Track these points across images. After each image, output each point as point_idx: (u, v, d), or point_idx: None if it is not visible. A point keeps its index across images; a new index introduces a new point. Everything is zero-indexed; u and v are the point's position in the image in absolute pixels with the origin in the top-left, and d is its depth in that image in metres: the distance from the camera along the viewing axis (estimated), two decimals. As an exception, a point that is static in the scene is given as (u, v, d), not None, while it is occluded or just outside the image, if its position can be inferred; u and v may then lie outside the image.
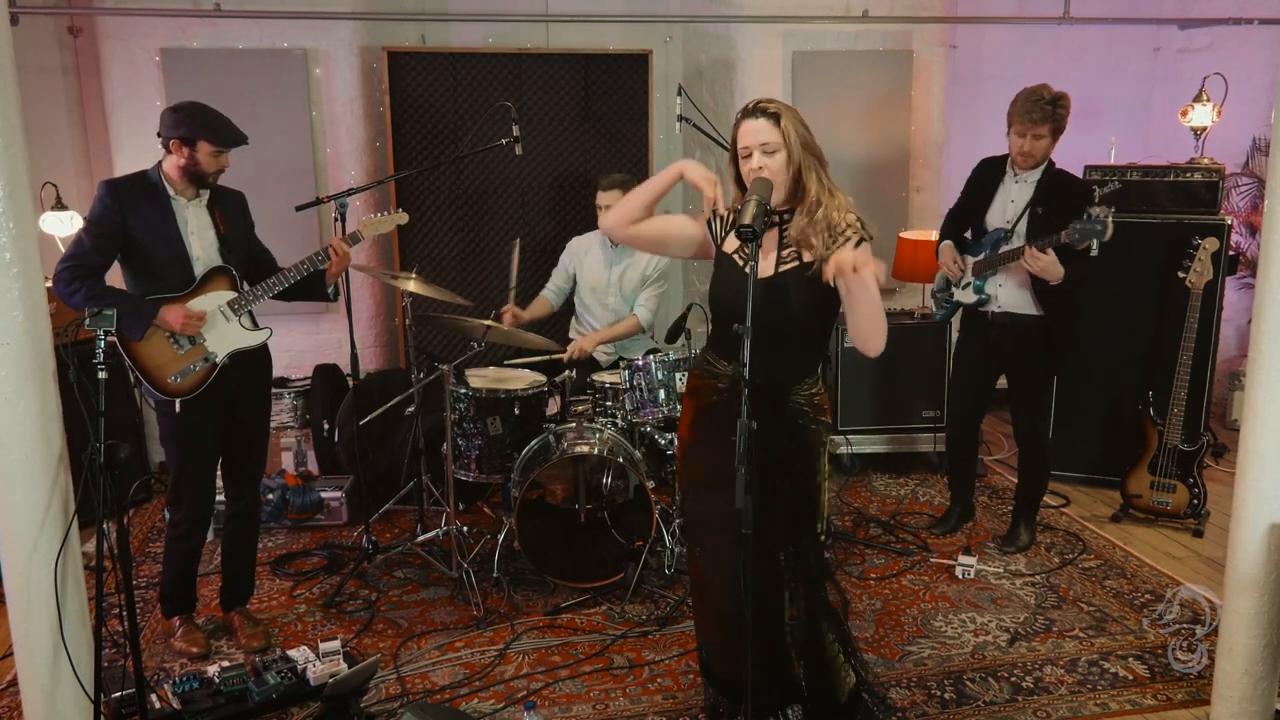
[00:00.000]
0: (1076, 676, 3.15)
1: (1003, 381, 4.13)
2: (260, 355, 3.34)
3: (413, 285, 3.79)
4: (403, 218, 3.72)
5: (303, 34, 4.89)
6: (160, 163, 3.12)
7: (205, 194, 3.19)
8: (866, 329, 2.39)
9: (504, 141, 3.97)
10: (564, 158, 5.21)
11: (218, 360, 3.17)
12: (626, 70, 5.17)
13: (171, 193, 3.11)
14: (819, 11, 5.13)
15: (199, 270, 3.16)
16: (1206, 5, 5.68)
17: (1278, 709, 2.65)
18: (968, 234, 4.02)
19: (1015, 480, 4.32)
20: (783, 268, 2.48)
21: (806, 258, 2.47)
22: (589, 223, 4.74)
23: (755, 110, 2.45)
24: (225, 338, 3.20)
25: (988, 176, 3.96)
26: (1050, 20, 5.01)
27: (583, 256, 4.51)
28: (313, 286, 3.35)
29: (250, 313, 3.27)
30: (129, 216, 3.05)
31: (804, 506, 2.58)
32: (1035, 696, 3.04)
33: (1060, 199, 3.74)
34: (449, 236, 5.18)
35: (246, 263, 3.31)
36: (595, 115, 5.20)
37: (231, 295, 3.21)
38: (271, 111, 4.87)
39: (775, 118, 2.43)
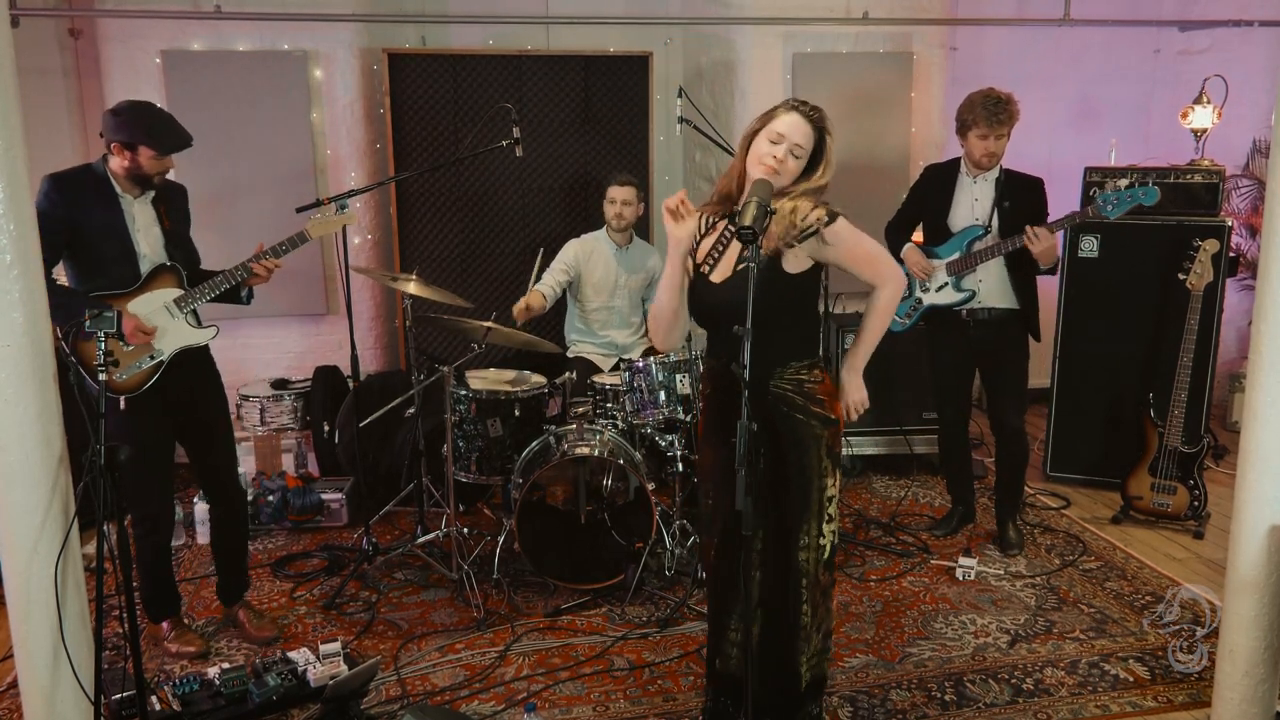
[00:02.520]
0: (1077, 678, 3.15)
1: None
2: (204, 354, 3.31)
3: (413, 287, 3.79)
4: (350, 218, 3.59)
5: (303, 36, 4.89)
6: (105, 156, 3.08)
7: (152, 190, 3.15)
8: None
9: (504, 143, 3.97)
10: (564, 159, 5.22)
11: (163, 358, 3.15)
12: (627, 72, 5.17)
13: (118, 190, 3.08)
14: (819, 13, 5.14)
15: (145, 267, 3.13)
16: (1207, 7, 5.68)
17: (1278, 711, 2.65)
18: (914, 239, 4.08)
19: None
20: (740, 266, 2.48)
21: (765, 248, 2.46)
22: (590, 224, 4.74)
23: (810, 114, 2.46)
24: (172, 335, 3.17)
25: (941, 182, 4.00)
26: (1050, 22, 5.01)
27: (586, 259, 4.51)
28: (233, 291, 3.29)
29: (195, 311, 3.24)
30: (74, 212, 3.00)
31: (788, 501, 2.54)
32: (1036, 698, 3.04)
33: (1021, 192, 3.87)
34: (449, 238, 5.18)
35: (190, 259, 3.28)
36: (595, 117, 5.20)
37: (178, 293, 3.17)
38: (272, 113, 4.87)
39: (822, 134, 2.47)
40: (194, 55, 4.80)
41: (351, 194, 3.80)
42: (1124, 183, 3.60)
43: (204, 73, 4.78)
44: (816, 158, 2.49)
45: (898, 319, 4.14)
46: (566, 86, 5.15)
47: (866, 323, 2.62)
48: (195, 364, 3.27)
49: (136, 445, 3.12)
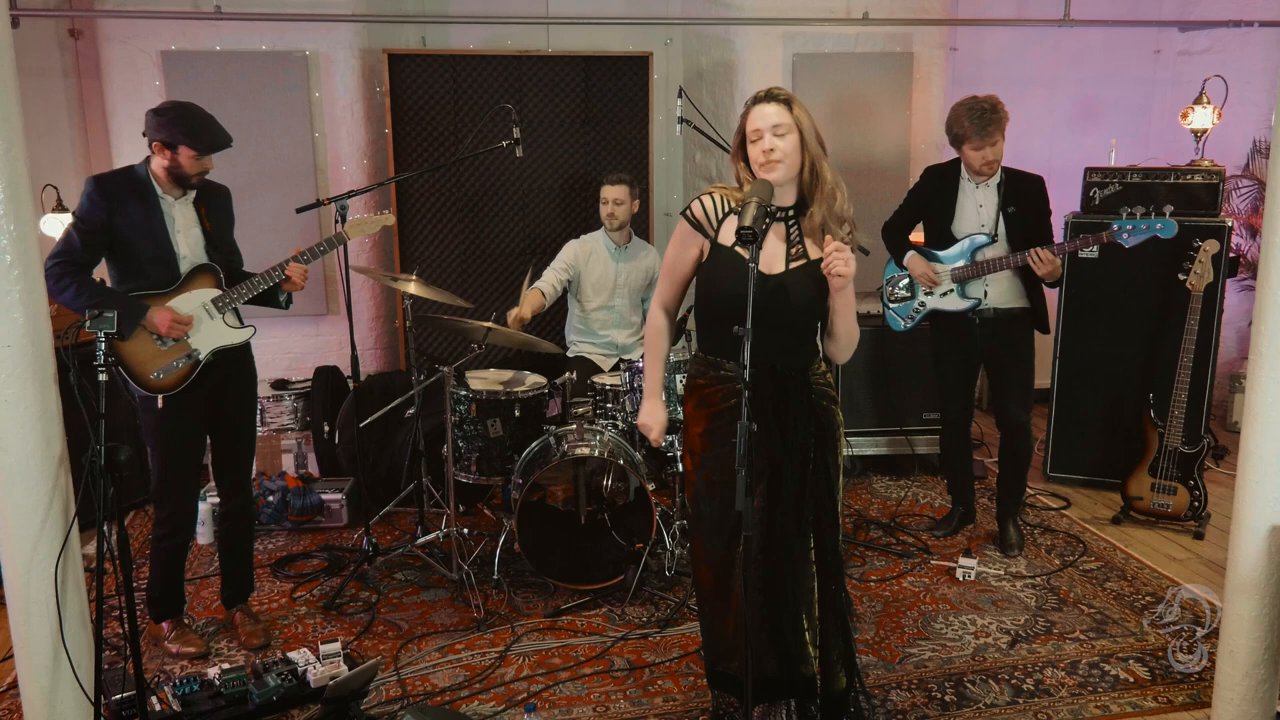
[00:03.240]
0: (1077, 679, 3.15)
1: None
2: (243, 353, 3.34)
3: (413, 287, 3.79)
4: (389, 219, 3.72)
5: (303, 36, 4.89)
6: (148, 159, 3.12)
7: (192, 191, 3.18)
8: (850, 338, 2.59)
9: (504, 143, 3.98)
10: (564, 160, 5.22)
11: (200, 357, 3.17)
12: (627, 72, 5.18)
13: (159, 191, 3.11)
14: (819, 14, 5.14)
15: (184, 268, 3.16)
16: (1207, 8, 5.69)
17: (1279, 711, 2.65)
18: (914, 239, 4.08)
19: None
20: (792, 265, 2.52)
21: (813, 254, 2.52)
22: (590, 224, 4.74)
23: (766, 96, 2.49)
24: (208, 335, 3.19)
25: (943, 185, 3.97)
26: (1050, 22, 5.02)
27: (586, 259, 4.51)
28: (271, 294, 3.34)
29: (235, 310, 3.27)
30: (116, 214, 3.04)
31: (829, 493, 2.61)
32: (1036, 699, 3.04)
33: (1025, 196, 3.85)
34: (449, 238, 5.18)
35: (230, 260, 3.31)
36: (595, 117, 5.20)
37: (215, 293, 3.20)
38: (272, 114, 4.88)
39: (786, 103, 2.48)
40: (194, 55, 4.80)
41: (351, 194, 3.80)
42: (1141, 210, 3.59)
43: (204, 73, 4.78)
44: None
45: (899, 319, 4.13)
46: (566, 87, 5.15)
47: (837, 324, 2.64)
48: (233, 363, 3.30)
49: (170, 445, 3.19)
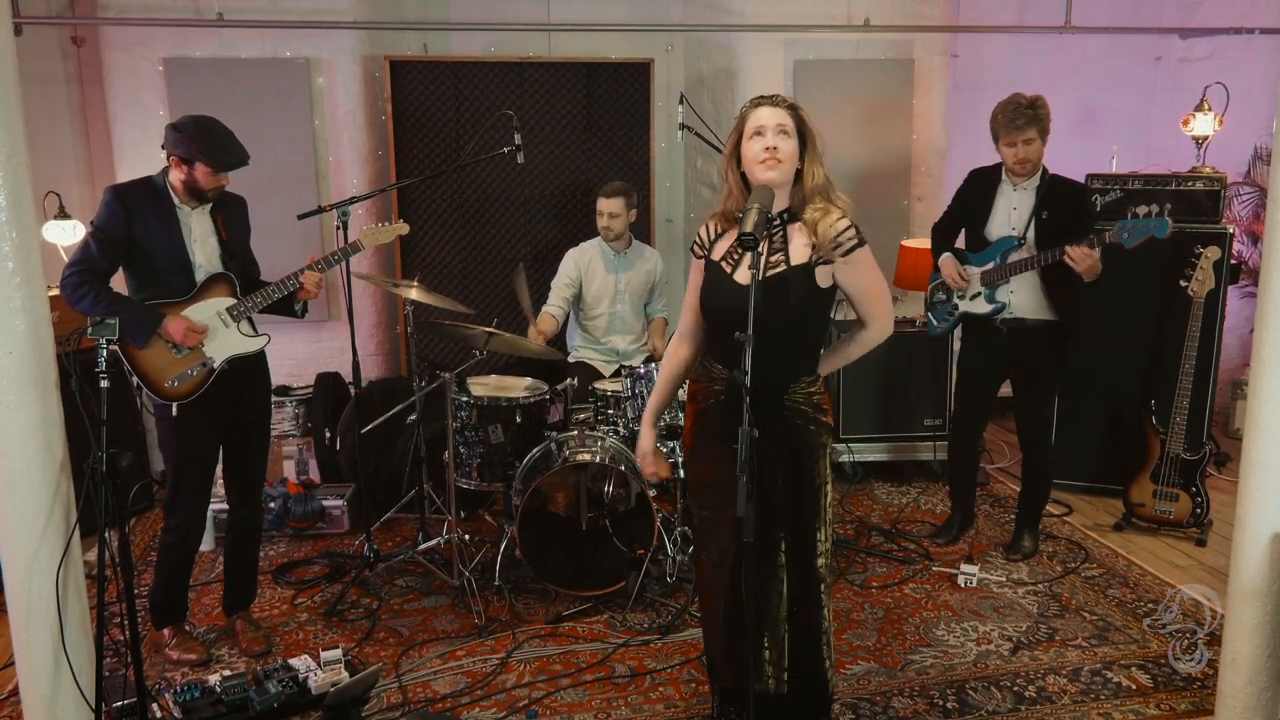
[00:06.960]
0: (1079, 686, 3.14)
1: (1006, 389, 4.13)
2: (259, 361, 3.36)
3: (414, 293, 3.80)
4: (403, 228, 3.75)
5: (305, 43, 4.90)
6: (166, 169, 3.15)
7: (209, 202, 3.21)
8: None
9: (506, 150, 3.98)
10: (566, 166, 5.22)
11: (215, 365, 3.19)
12: (628, 79, 5.18)
13: (176, 201, 3.14)
14: (820, 20, 5.15)
15: (200, 277, 3.18)
16: (1208, 15, 5.69)
17: (1282, 719, 2.65)
18: (959, 244, 4.04)
19: (1016, 488, 4.31)
20: (771, 272, 2.47)
21: (795, 260, 2.47)
22: (590, 230, 4.74)
23: (771, 100, 2.46)
24: (223, 343, 3.21)
25: (982, 187, 3.96)
26: (1051, 29, 5.02)
27: (586, 267, 4.51)
28: (286, 303, 3.36)
29: (249, 319, 3.29)
30: (134, 223, 3.07)
31: (804, 510, 2.56)
32: (1038, 706, 3.03)
33: (1062, 203, 3.81)
34: (451, 245, 5.18)
35: (245, 269, 3.33)
36: (597, 124, 5.21)
37: (230, 301, 3.23)
38: (274, 120, 4.88)
39: (792, 108, 2.46)
40: (196, 63, 4.81)
41: (353, 201, 3.81)
42: (1143, 210, 3.54)
43: (206, 80, 4.78)
44: (803, 142, 2.47)
45: (935, 323, 4.14)
46: (568, 93, 5.16)
47: (847, 350, 2.66)
48: (249, 372, 3.31)
49: (184, 454, 3.21)
